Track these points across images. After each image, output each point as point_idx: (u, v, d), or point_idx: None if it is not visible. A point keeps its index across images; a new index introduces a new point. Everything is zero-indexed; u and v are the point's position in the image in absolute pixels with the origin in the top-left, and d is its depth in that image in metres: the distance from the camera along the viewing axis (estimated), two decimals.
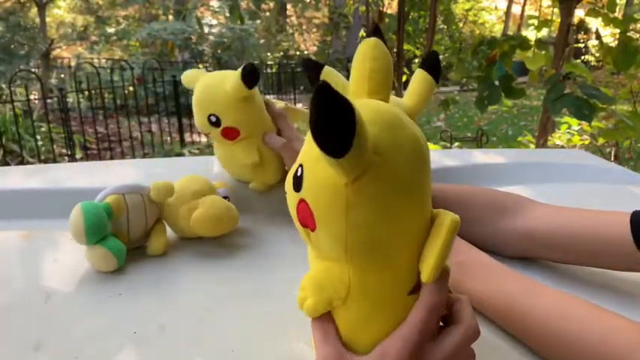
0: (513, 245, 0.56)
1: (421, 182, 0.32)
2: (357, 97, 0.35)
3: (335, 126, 0.26)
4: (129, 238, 0.56)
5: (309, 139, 0.33)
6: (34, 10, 8.47)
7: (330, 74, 0.63)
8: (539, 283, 0.45)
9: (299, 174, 0.32)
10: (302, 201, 0.32)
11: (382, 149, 0.30)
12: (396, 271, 0.33)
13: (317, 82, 0.34)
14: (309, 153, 0.32)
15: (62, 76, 7.57)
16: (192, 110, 0.65)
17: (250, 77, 0.59)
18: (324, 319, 0.35)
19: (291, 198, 0.33)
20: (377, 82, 0.34)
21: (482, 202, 0.58)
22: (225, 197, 0.63)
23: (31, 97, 4.67)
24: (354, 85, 0.35)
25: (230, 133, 0.64)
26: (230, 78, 0.61)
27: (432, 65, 0.63)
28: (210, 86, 0.63)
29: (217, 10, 8.91)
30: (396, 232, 0.31)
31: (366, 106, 0.31)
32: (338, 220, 0.30)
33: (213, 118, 0.62)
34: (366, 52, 0.35)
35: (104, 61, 8.36)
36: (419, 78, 0.64)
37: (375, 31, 0.37)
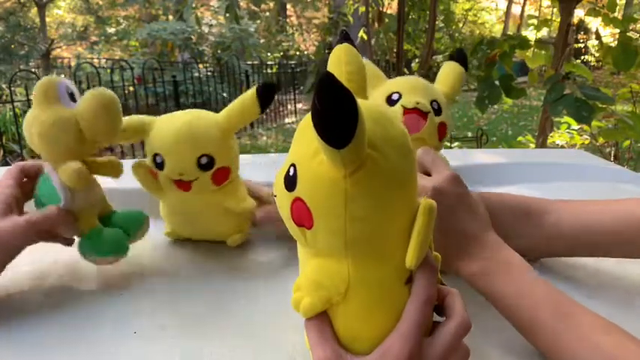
0: (540, 249, 0.55)
1: (411, 174, 0.33)
2: None
3: (339, 115, 0.27)
4: None
5: (300, 138, 0.33)
6: (34, 10, 8.49)
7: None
8: (569, 298, 0.42)
9: (291, 173, 0.32)
10: (297, 199, 0.32)
11: (376, 142, 0.31)
12: (394, 262, 0.33)
13: None
14: (303, 151, 0.32)
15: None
16: (165, 155, 0.53)
17: (266, 97, 0.52)
18: (320, 319, 0.34)
19: (283, 198, 0.33)
20: (355, 84, 0.36)
21: (510, 209, 0.55)
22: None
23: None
24: None
25: (222, 176, 0.54)
26: (212, 117, 0.53)
27: (461, 59, 0.63)
28: (196, 124, 0.52)
29: (217, 10, 8.91)
30: (392, 222, 0.32)
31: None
32: (337, 214, 0.31)
33: (204, 160, 0.51)
34: (340, 56, 0.37)
35: (104, 61, 8.38)
36: (449, 68, 0.62)
37: (345, 38, 0.38)
